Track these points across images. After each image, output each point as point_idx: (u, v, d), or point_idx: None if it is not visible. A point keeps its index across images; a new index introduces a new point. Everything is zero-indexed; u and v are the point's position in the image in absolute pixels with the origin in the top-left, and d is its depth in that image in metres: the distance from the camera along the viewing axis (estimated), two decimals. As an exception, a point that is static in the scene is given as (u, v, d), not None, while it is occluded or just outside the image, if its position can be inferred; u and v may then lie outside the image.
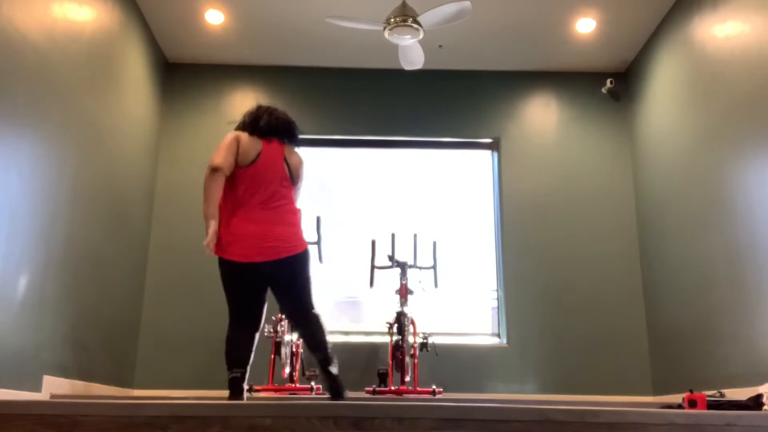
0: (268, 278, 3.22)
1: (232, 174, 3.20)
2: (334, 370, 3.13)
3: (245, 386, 3.13)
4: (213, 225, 3.09)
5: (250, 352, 3.19)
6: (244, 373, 3.12)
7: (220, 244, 3.15)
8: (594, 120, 6.10)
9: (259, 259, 3.13)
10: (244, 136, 3.27)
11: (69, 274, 4.12)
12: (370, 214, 6.03)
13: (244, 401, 3.04)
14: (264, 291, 3.25)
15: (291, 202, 3.32)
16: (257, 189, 3.20)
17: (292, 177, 3.33)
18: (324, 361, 3.15)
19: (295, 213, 3.32)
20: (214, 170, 3.12)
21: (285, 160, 3.31)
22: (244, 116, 3.41)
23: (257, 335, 3.23)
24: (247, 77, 6.12)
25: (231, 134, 3.27)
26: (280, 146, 3.33)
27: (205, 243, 3.09)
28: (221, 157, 3.15)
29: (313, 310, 3.23)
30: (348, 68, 6.15)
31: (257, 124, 3.32)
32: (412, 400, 4.38)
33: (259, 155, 3.23)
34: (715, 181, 4.52)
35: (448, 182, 6.16)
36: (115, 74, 4.86)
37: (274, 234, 3.16)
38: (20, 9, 3.45)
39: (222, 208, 3.19)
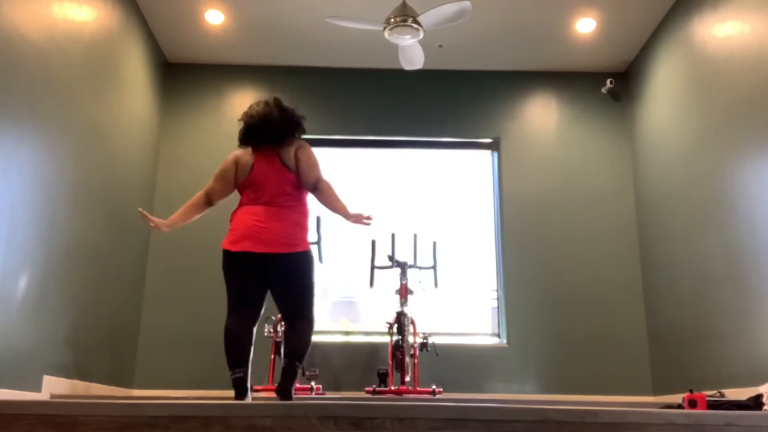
0: (266, 272, 3.20)
1: (238, 185, 3.36)
2: (288, 382, 3.14)
3: (249, 384, 3.12)
4: (160, 221, 3.32)
5: (250, 347, 3.17)
6: (246, 372, 3.11)
7: (225, 238, 3.25)
8: (594, 120, 6.10)
9: (255, 249, 3.14)
10: (241, 152, 3.36)
11: (69, 274, 4.12)
12: (371, 214, 6.01)
13: (249, 401, 3.04)
14: (261, 284, 3.23)
15: (300, 204, 3.31)
16: (257, 192, 3.27)
17: (293, 173, 3.28)
18: (287, 369, 3.16)
19: (302, 214, 3.30)
20: (208, 201, 3.38)
21: (281, 160, 3.29)
22: (239, 130, 3.44)
23: (255, 330, 3.22)
24: (247, 77, 6.12)
25: (231, 156, 3.38)
26: (271, 151, 3.31)
27: (151, 224, 3.31)
28: (214, 187, 3.36)
29: (303, 320, 3.24)
30: (348, 68, 6.15)
31: (244, 137, 3.38)
32: (412, 400, 4.37)
33: (252, 167, 3.30)
34: (715, 181, 4.52)
35: (448, 182, 6.16)
36: (115, 74, 4.86)
37: (274, 229, 3.17)
38: (20, 9, 3.45)
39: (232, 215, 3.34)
